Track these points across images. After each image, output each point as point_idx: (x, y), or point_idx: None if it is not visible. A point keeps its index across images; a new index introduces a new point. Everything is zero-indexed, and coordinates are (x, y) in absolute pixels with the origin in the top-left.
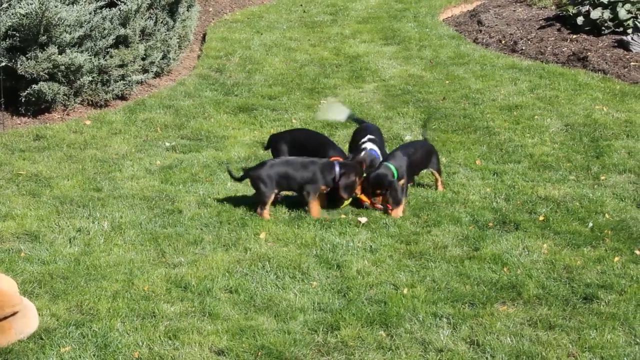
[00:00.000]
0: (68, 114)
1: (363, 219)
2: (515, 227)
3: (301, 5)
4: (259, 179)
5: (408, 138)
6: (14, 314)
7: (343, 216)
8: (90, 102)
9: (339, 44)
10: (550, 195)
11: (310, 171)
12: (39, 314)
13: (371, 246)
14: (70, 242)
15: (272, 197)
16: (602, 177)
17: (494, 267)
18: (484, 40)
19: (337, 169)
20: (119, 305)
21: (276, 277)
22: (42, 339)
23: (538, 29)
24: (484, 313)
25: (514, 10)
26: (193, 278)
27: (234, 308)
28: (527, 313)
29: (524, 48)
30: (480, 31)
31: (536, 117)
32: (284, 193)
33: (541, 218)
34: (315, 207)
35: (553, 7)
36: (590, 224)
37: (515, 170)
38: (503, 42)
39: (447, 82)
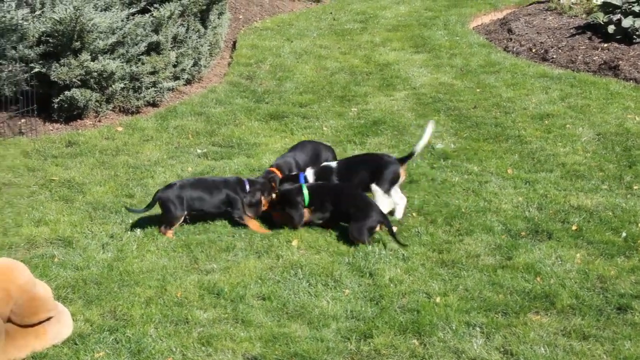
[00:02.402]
0: (100, 121)
1: (394, 228)
2: (548, 236)
3: (331, 13)
4: (168, 200)
5: (439, 147)
6: (49, 319)
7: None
8: (122, 109)
9: (369, 52)
10: (583, 205)
11: (223, 192)
12: (73, 319)
13: (403, 254)
14: (103, 247)
15: (181, 219)
16: (635, 187)
17: (527, 276)
18: (515, 49)
19: (247, 186)
20: (152, 311)
21: (309, 284)
22: (76, 344)
23: (569, 37)
24: (517, 322)
25: (544, 19)
26: (226, 285)
27: (266, 315)
28: (560, 323)
29: (554, 57)
30: (511, 39)
31: (568, 126)
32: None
33: (574, 228)
34: (252, 223)
35: (584, 16)
36: (624, 234)
37: (548, 180)
38: (534, 50)
39: (477, 90)
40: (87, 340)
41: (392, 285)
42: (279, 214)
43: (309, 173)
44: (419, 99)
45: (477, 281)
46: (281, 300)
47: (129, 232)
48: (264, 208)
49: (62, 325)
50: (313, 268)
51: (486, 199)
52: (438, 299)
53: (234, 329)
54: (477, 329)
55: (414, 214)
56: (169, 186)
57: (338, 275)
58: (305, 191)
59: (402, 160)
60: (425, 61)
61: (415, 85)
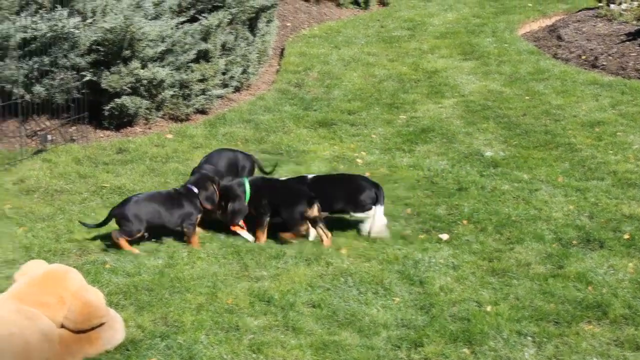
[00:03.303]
0: (150, 128)
1: (444, 236)
2: (599, 245)
3: (378, 20)
4: (123, 217)
5: (489, 154)
6: (102, 325)
7: (422, 236)
8: (171, 116)
9: (417, 59)
10: (635, 214)
11: (181, 204)
12: (125, 325)
13: (453, 263)
14: (154, 254)
15: (139, 235)
16: None
17: (579, 285)
18: (564, 56)
19: (195, 190)
20: (203, 318)
21: (358, 292)
22: (128, 350)
23: (619, 44)
24: (569, 332)
25: (594, 25)
26: (276, 292)
27: (316, 323)
28: (613, 333)
29: (605, 63)
30: (560, 46)
31: (619, 133)
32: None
33: (626, 236)
34: (195, 239)
35: (634, 22)
36: None
37: (599, 188)
38: (583, 57)
39: (527, 97)
40: (139, 346)
41: (442, 293)
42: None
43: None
44: (467, 107)
45: (528, 290)
46: (331, 308)
47: (179, 239)
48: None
49: (114, 331)
50: (363, 276)
51: (536, 207)
52: (489, 308)
53: (284, 336)
54: (529, 338)
55: (464, 221)
56: (124, 202)
57: (388, 283)
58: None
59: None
60: (474, 68)
61: (463, 93)
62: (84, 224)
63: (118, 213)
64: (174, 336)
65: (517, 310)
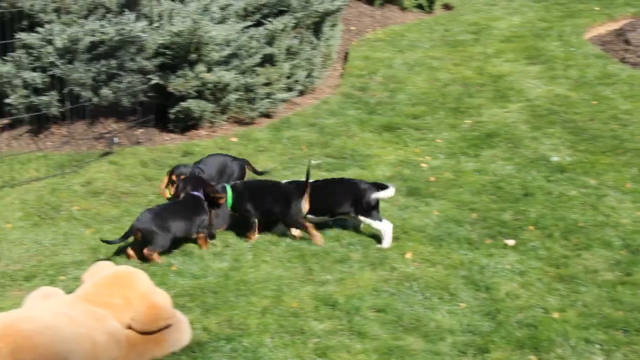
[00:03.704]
0: (214, 131)
1: (510, 241)
2: None
3: (443, 24)
4: (152, 232)
5: (555, 160)
6: (168, 326)
7: (488, 241)
8: (236, 120)
9: (482, 63)
10: None
11: (196, 211)
12: (191, 327)
13: (519, 269)
14: (219, 257)
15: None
16: None
17: None
18: (632, 60)
19: (200, 195)
20: (268, 321)
21: (424, 297)
22: (194, 352)
23: None
24: (638, 340)
25: None
26: (341, 296)
27: (382, 327)
28: None
29: None
30: (628, 50)
31: None
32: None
33: None
34: (206, 242)
35: None
36: None
37: None
38: None
39: (594, 102)
40: (204, 348)
41: (508, 299)
42: None
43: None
44: (533, 111)
45: (596, 297)
46: (396, 312)
47: (244, 242)
48: None
49: (180, 333)
50: (428, 281)
51: (604, 213)
52: (556, 315)
53: (349, 340)
54: (597, 346)
55: (530, 227)
56: (147, 214)
57: (453, 288)
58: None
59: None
60: (540, 72)
61: (529, 97)
62: (107, 242)
63: (144, 228)
64: (239, 339)
65: (585, 318)
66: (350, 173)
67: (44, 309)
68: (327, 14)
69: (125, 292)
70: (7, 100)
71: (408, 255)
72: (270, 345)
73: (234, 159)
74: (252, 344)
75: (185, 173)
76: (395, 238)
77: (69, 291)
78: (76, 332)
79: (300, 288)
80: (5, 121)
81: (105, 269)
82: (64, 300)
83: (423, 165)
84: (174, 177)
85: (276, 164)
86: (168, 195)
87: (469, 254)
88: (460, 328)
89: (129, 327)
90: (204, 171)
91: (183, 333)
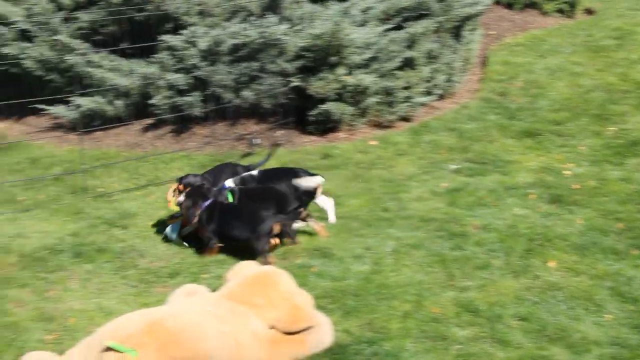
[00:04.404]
0: (353, 134)
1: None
2: None
3: (584, 29)
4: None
5: None
6: (310, 327)
7: (634, 252)
8: (375, 123)
9: (626, 70)
10: None
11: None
12: (333, 329)
13: None
14: (359, 260)
15: None
16: None
17: None
18: None
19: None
20: (410, 326)
21: (568, 307)
22: (335, 354)
23: None
24: None
25: None
26: (482, 303)
27: (525, 336)
28: None
29: None
30: None
31: None
32: None
33: None
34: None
35: None
36: None
37: None
38: None
39: None
40: (345, 350)
41: None
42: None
43: (229, 182)
44: None
45: None
46: (540, 321)
47: (383, 246)
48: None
49: (322, 335)
50: (572, 291)
51: None
52: None
53: (492, 348)
54: None
55: None
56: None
57: (599, 299)
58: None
59: None
60: None
61: None
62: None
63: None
64: (380, 342)
65: None
66: (490, 179)
67: (189, 306)
68: (467, 17)
69: (268, 292)
70: (152, 101)
71: (551, 264)
72: (412, 350)
73: (244, 167)
74: (394, 348)
75: (194, 183)
76: (539, 245)
77: (212, 289)
78: (221, 330)
79: (442, 293)
80: (149, 121)
81: (249, 268)
82: (208, 298)
83: (566, 172)
84: (181, 187)
85: (416, 168)
86: (172, 205)
87: (615, 264)
88: (606, 340)
89: (272, 327)
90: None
91: (325, 335)
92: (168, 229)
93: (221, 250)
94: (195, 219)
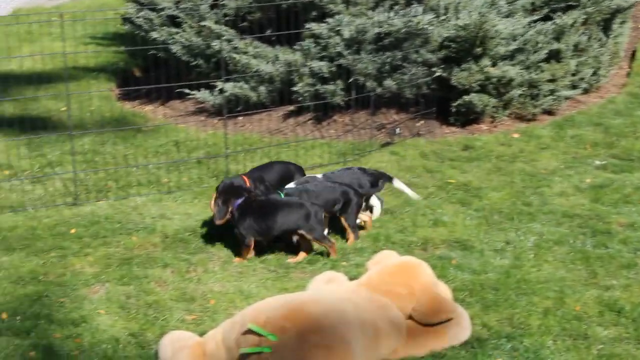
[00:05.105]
0: (495, 126)
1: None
2: None
3: None
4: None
5: None
6: (449, 320)
7: None
8: (517, 115)
9: None
10: None
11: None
12: (471, 323)
13: None
14: (499, 253)
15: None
16: None
17: None
18: None
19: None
20: (550, 323)
21: None
22: (473, 347)
23: None
24: None
25: None
26: (627, 303)
27: None
28: None
29: None
30: None
31: None
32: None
33: None
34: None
35: None
36: None
37: None
38: None
39: None
40: (484, 345)
41: None
42: None
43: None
44: None
45: None
46: None
47: (524, 240)
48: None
49: (461, 328)
50: None
51: None
52: None
53: (636, 350)
54: None
55: None
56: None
57: None
58: None
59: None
60: None
61: None
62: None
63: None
64: (519, 338)
65: None
66: (637, 176)
67: (329, 293)
68: (618, 10)
69: (408, 282)
70: (294, 88)
71: None
72: (552, 348)
73: (297, 166)
74: (534, 345)
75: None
76: None
77: (351, 277)
78: (360, 317)
79: (584, 291)
80: (291, 108)
81: (391, 258)
82: (347, 285)
83: None
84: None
85: (559, 163)
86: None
87: None
88: None
89: (410, 318)
90: (266, 178)
91: (463, 328)
92: None
93: (356, 240)
94: (221, 220)
